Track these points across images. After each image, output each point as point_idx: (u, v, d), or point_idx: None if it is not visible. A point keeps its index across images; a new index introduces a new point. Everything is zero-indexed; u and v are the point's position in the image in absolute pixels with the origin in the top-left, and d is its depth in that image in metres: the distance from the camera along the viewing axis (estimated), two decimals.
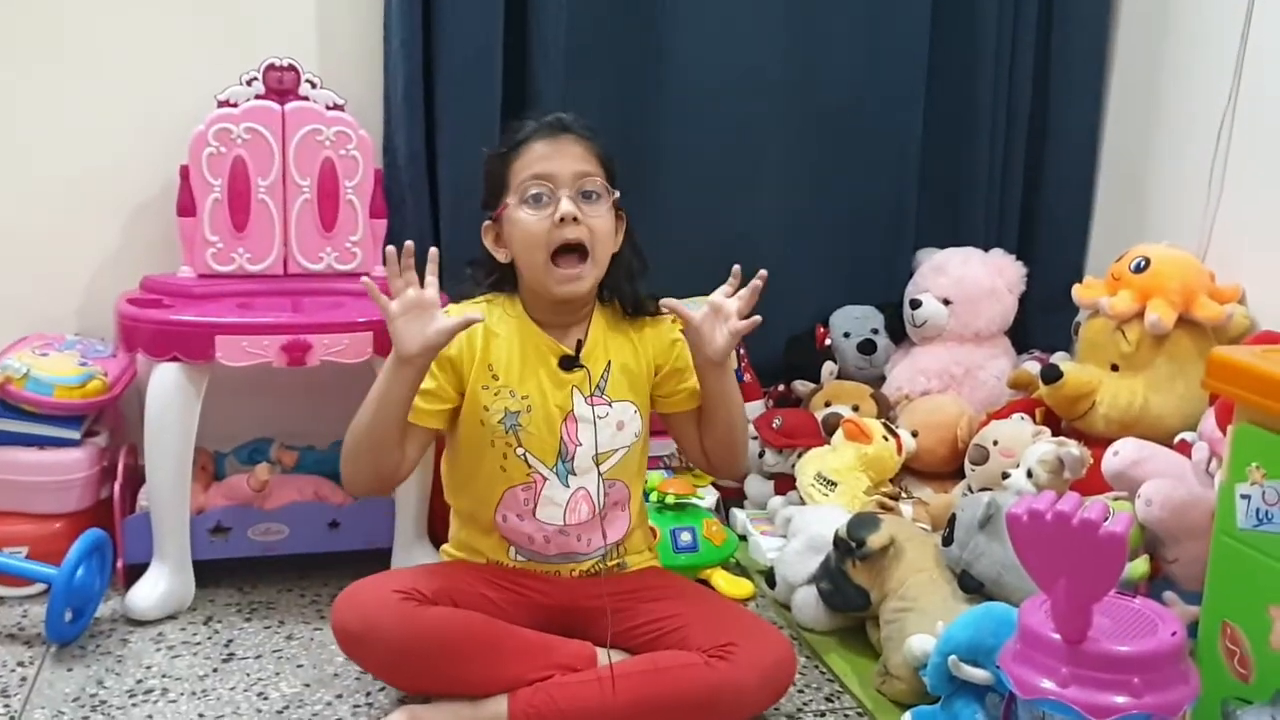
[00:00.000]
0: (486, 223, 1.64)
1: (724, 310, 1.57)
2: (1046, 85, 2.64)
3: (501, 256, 1.64)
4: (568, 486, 1.62)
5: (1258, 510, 1.31)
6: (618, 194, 1.61)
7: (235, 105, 2.05)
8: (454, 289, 2.12)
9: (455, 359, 1.60)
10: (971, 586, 1.69)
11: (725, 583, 2.01)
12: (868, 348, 2.54)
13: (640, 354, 1.67)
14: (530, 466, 1.61)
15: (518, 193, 1.57)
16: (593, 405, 1.62)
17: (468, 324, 1.51)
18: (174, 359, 1.82)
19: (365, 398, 1.56)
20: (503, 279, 1.67)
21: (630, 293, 1.67)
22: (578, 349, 1.62)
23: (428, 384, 1.59)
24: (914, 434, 2.32)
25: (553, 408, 1.60)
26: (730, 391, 1.64)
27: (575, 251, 1.57)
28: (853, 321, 2.57)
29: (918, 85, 2.56)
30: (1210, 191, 2.27)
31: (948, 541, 1.73)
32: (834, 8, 2.48)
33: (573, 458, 1.61)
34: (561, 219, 1.54)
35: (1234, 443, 1.36)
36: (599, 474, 1.63)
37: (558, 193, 1.55)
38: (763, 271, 1.57)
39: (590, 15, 2.31)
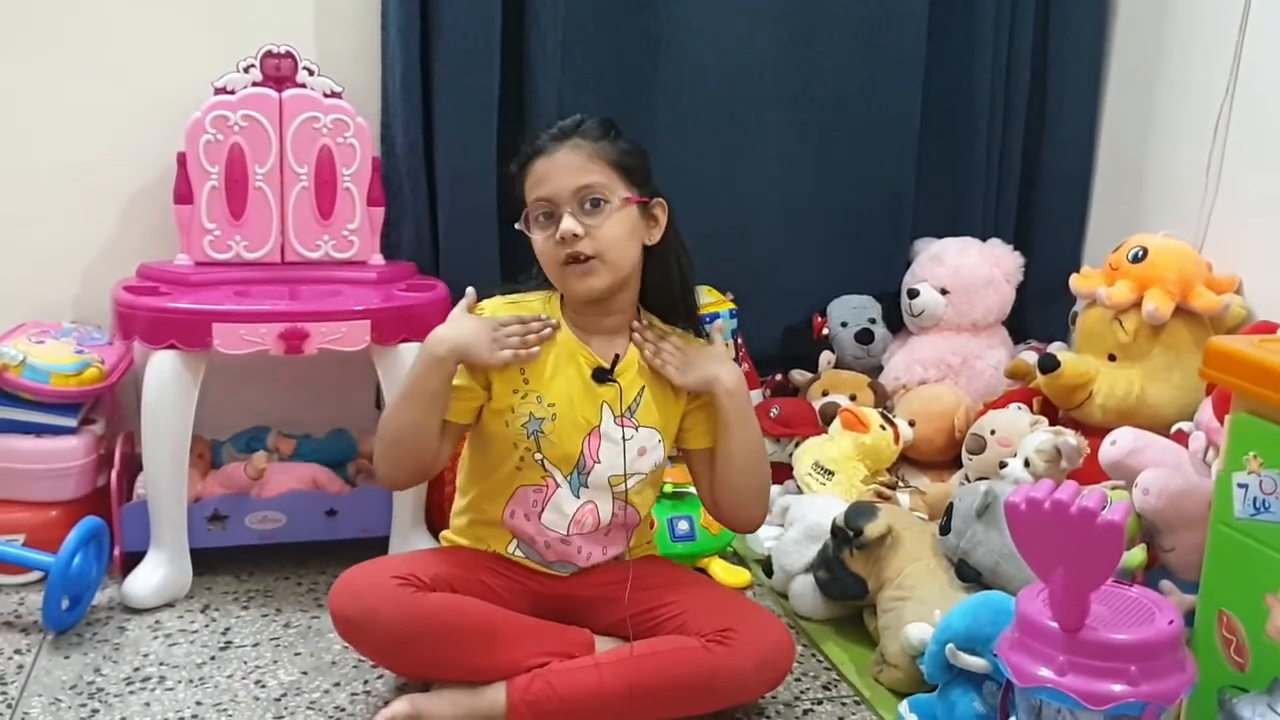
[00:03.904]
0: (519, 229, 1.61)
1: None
2: (1044, 75, 2.64)
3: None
4: (577, 498, 1.60)
5: (1255, 499, 1.32)
6: (626, 195, 1.55)
7: (232, 92, 2.04)
8: (453, 277, 2.13)
9: None
10: (969, 575, 1.69)
11: (722, 571, 2.01)
12: (865, 337, 2.54)
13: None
14: (546, 471, 1.59)
15: (529, 213, 1.56)
16: (620, 426, 1.59)
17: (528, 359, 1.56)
18: (171, 347, 1.82)
19: (397, 396, 1.58)
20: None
21: (674, 303, 1.64)
22: (614, 363, 1.60)
23: (459, 381, 1.58)
24: (911, 423, 2.32)
25: (579, 418, 1.58)
26: (736, 425, 1.60)
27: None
28: (850, 311, 2.57)
29: (916, 75, 2.55)
30: (1208, 182, 2.27)
31: (945, 530, 1.73)
32: None
33: (588, 472, 1.59)
34: (561, 239, 1.52)
35: (1231, 432, 1.36)
36: (612, 495, 1.61)
37: (559, 211, 1.53)
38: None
39: (588, 4, 2.30)
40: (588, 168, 1.54)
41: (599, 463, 1.59)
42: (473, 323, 1.57)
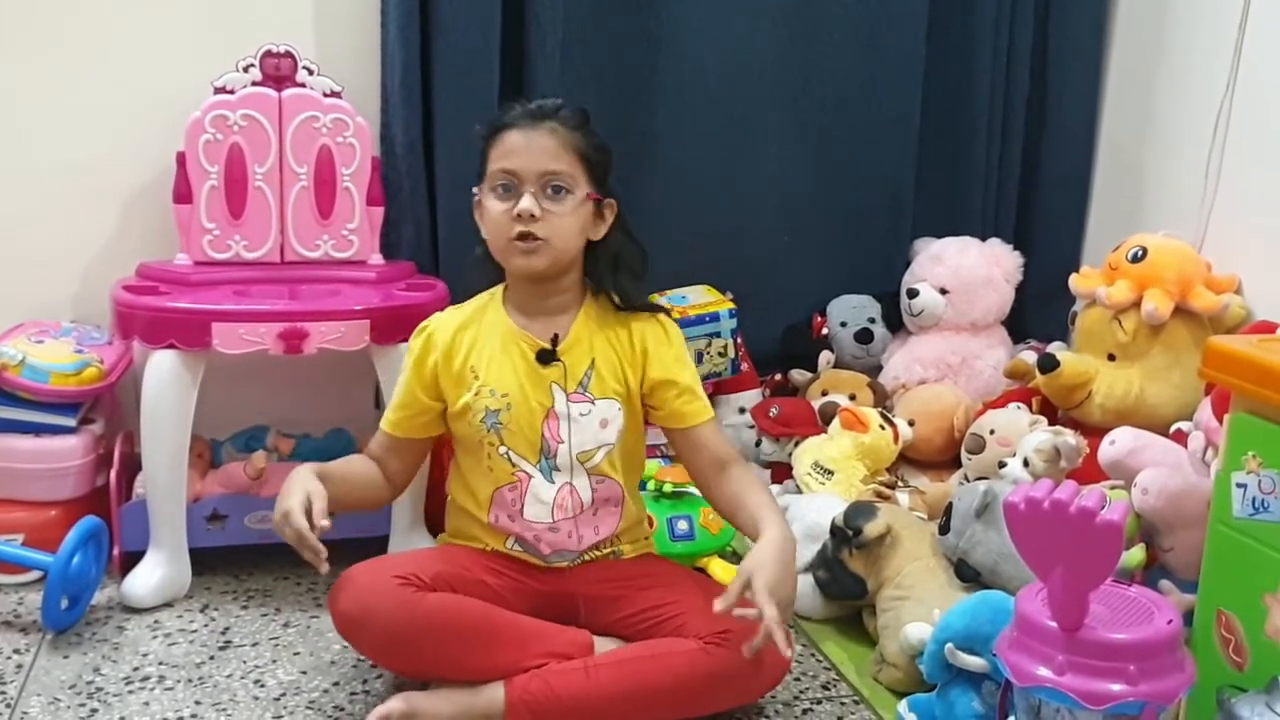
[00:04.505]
0: (476, 196, 1.64)
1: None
2: (1044, 75, 2.64)
3: (483, 231, 1.64)
4: (552, 483, 1.62)
5: (1253, 499, 1.32)
6: (589, 191, 1.58)
7: (232, 92, 2.04)
8: (453, 277, 2.13)
9: (429, 368, 1.64)
10: (968, 575, 1.69)
11: (722, 571, 2.01)
12: (865, 337, 2.54)
13: (626, 347, 1.64)
14: (514, 465, 1.61)
15: (489, 180, 1.58)
16: (574, 402, 1.61)
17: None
18: (170, 346, 1.82)
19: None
20: (487, 254, 1.65)
21: (617, 284, 1.65)
22: (554, 343, 1.61)
23: (402, 397, 1.65)
24: (910, 423, 2.32)
25: (534, 404, 1.60)
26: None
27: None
28: (850, 311, 2.57)
29: (915, 74, 2.55)
30: (1207, 181, 2.27)
31: (944, 530, 1.73)
32: None
33: (555, 455, 1.61)
34: (518, 215, 1.54)
35: (1230, 432, 1.36)
36: (586, 471, 1.62)
37: (521, 188, 1.55)
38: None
39: (587, 4, 2.30)
40: (560, 155, 1.56)
41: (563, 442, 1.60)
42: (297, 489, 1.53)
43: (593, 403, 1.62)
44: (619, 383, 1.63)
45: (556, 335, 1.62)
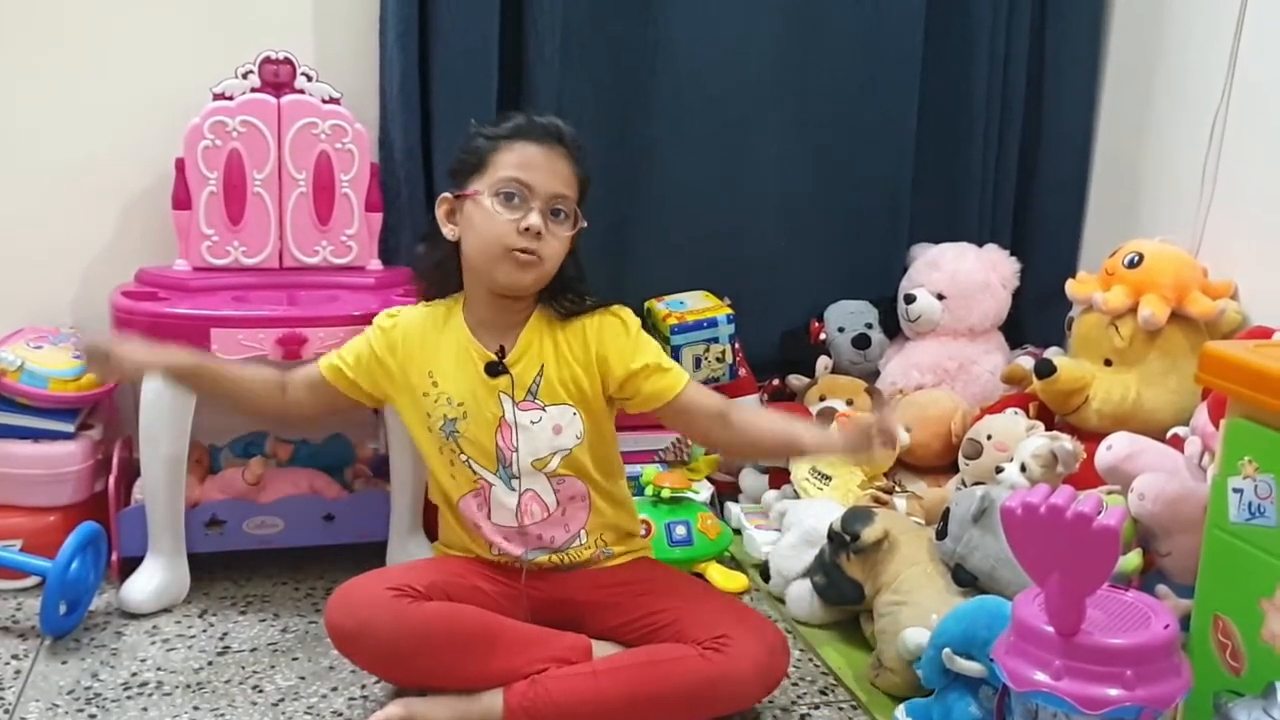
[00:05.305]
0: (445, 195, 1.63)
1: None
2: (1041, 80, 2.65)
3: (449, 234, 1.63)
4: (514, 490, 1.63)
5: (1249, 504, 1.32)
6: (583, 224, 1.61)
7: (231, 98, 2.04)
8: None
9: (381, 360, 1.65)
10: (965, 580, 1.69)
11: (720, 576, 2.01)
12: (862, 342, 2.54)
13: (580, 353, 1.63)
14: (475, 473, 1.63)
15: (493, 185, 1.56)
16: (523, 410, 1.61)
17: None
18: None
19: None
20: (447, 259, 1.65)
21: (562, 296, 1.65)
22: (501, 354, 1.61)
23: (349, 358, 1.66)
24: (908, 428, 2.32)
25: (487, 414, 1.61)
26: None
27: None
28: (847, 316, 2.58)
29: (912, 80, 2.56)
30: (1203, 187, 2.27)
31: (942, 535, 1.74)
32: (830, 2, 2.49)
33: (510, 463, 1.62)
34: (527, 229, 1.54)
35: (1226, 437, 1.36)
36: (545, 477, 1.63)
37: (531, 202, 1.55)
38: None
39: (586, 8, 2.31)
40: (570, 180, 1.59)
41: (516, 451, 1.61)
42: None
43: (543, 409, 1.62)
44: (572, 389, 1.62)
45: (503, 347, 1.62)
